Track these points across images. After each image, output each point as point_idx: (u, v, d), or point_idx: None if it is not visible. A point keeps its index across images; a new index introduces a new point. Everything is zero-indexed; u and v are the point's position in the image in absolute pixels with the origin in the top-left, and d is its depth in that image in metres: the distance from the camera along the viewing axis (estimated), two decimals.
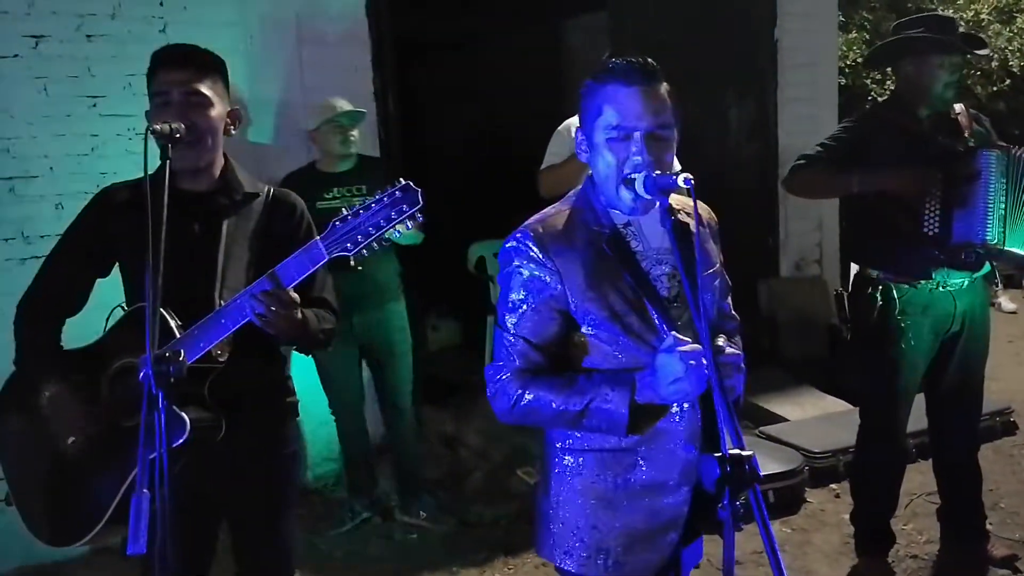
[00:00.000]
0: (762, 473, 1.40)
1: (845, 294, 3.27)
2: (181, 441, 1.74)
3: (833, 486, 4.05)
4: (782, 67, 5.54)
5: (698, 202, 1.77)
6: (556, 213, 1.76)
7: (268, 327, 1.84)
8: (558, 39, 6.39)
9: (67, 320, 2.11)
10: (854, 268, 3.24)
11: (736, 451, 1.36)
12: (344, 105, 3.61)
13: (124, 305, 2.00)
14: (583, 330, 1.71)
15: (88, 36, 3.64)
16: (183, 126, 1.84)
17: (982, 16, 9.14)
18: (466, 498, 4.14)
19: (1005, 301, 7.51)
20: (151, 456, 1.50)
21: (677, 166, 1.75)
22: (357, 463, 3.88)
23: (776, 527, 3.60)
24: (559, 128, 3.70)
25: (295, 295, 1.85)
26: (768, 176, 5.62)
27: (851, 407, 4.84)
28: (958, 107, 3.06)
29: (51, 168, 3.61)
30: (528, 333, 1.71)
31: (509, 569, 3.48)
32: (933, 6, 9.06)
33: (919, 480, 3.82)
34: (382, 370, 3.80)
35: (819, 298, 5.74)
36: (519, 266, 1.71)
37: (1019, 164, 2.85)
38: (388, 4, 4.36)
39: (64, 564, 3.45)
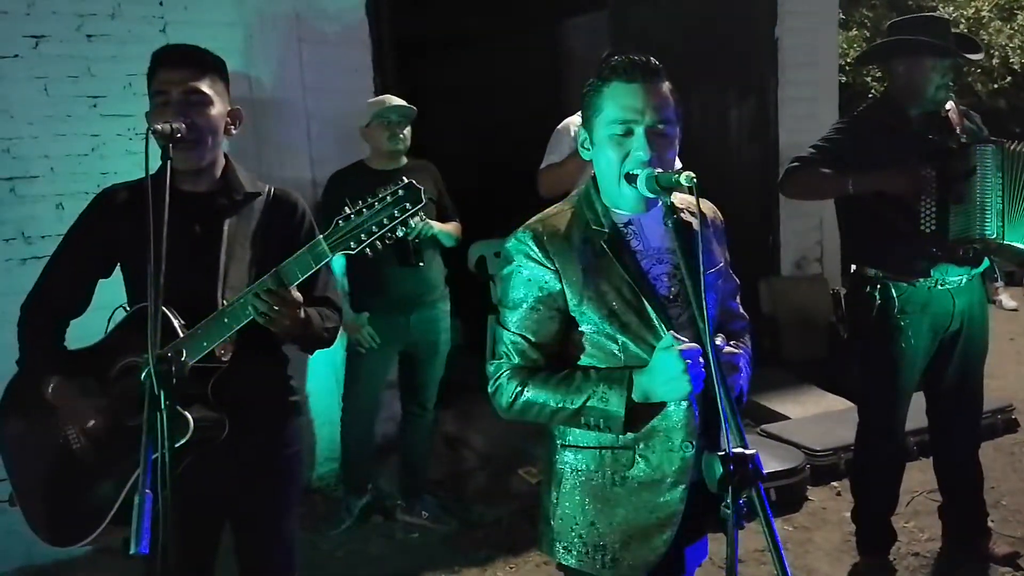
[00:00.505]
0: (764, 471, 1.40)
1: (842, 293, 3.26)
2: (184, 441, 1.75)
3: (834, 484, 4.06)
4: (782, 66, 5.54)
5: (704, 201, 1.77)
6: (557, 212, 1.77)
7: (271, 326, 1.84)
8: (558, 39, 6.39)
9: (71, 321, 2.11)
10: (852, 267, 3.24)
11: (739, 450, 1.36)
12: (394, 101, 3.57)
13: (126, 306, 2.00)
14: (582, 328, 1.72)
15: (88, 36, 3.64)
16: (184, 126, 1.83)
17: (983, 13, 9.15)
18: (468, 498, 4.15)
19: (1006, 299, 7.51)
20: (154, 456, 1.50)
21: (678, 165, 1.75)
22: (358, 460, 3.87)
23: (778, 525, 3.59)
24: (558, 128, 3.70)
25: (298, 294, 1.86)
26: (769, 175, 5.62)
27: (852, 405, 4.83)
28: (948, 104, 3.06)
29: (52, 168, 3.61)
30: (528, 331, 1.72)
31: (511, 568, 3.48)
32: (933, 4, 9.06)
33: (920, 478, 3.83)
34: (416, 368, 3.79)
35: (820, 297, 5.74)
36: (519, 265, 1.72)
37: (1016, 159, 2.85)
38: (388, 4, 4.36)
39: (66, 564, 3.45)
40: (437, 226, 3.57)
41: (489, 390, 1.77)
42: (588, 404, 1.66)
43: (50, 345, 2.06)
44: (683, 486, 1.73)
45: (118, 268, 2.06)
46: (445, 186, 3.82)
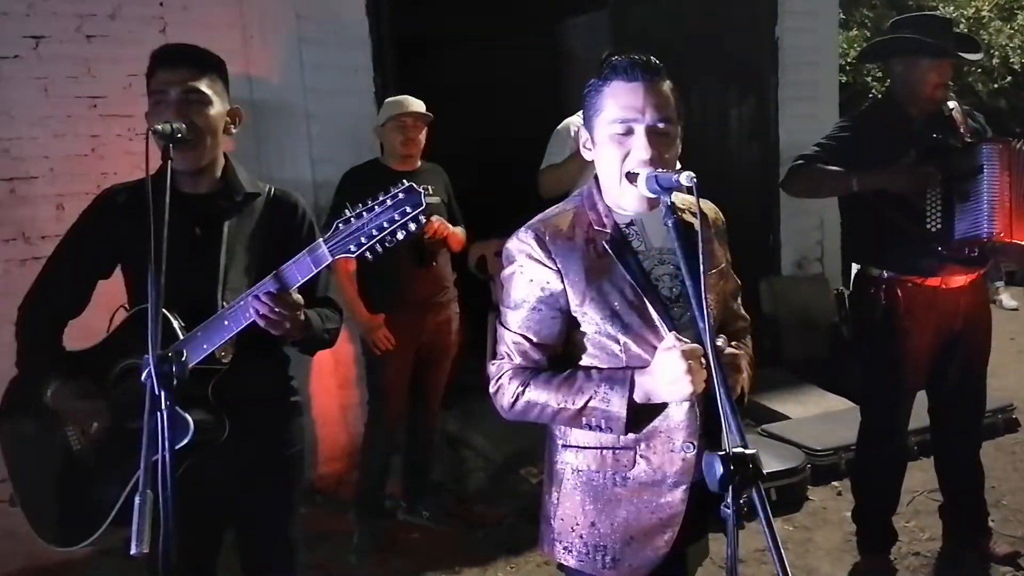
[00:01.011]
0: (764, 471, 1.40)
1: (846, 293, 3.26)
2: (185, 443, 1.75)
3: (835, 484, 4.05)
4: (783, 65, 5.54)
5: (706, 201, 1.77)
6: (560, 212, 1.77)
7: (272, 329, 1.83)
8: (558, 39, 6.38)
9: (69, 321, 2.11)
10: (855, 267, 3.24)
11: (740, 449, 1.36)
12: (412, 104, 3.58)
13: (126, 306, 2.00)
14: (583, 329, 1.72)
15: (88, 37, 3.64)
16: (184, 126, 1.83)
17: (983, 13, 9.14)
18: (469, 498, 4.15)
19: (1007, 298, 7.51)
20: (154, 458, 1.50)
21: (679, 166, 1.75)
22: (374, 482, 3.74)
23: (778, 525, 3.58)
24: (558, 128, 3.70)
25: (299, 297, 1.85)
26: (769, 174, 5.62)
27: (853, 405, 4.83)
28: (951, 104, 3.06)
29: (51, 169, 3.61)
30: (529, 331, 1.72)
31: (512, 568, 3.48)
32: (934, 3, 9.06)
33: (921, 478, 3.82)
34: (425, 369, 3.77)
35: (821, 296, 5.74)
36: (521, 265, 1.72)
37: (1022, 157, 2.84)
38: (388, 4, 4.36)
39: (67, 565, 3.45)
40: (451, 229, 3.60)
41: (490, 390, 1.76)
42: (589, 405, 1.66)
43: (49, 346, 2.05)
44: (684, 487, 1.72)
45: (118, 269, 2.06)
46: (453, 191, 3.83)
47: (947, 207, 2.88)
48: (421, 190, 1.72)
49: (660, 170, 1.60)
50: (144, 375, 1.57)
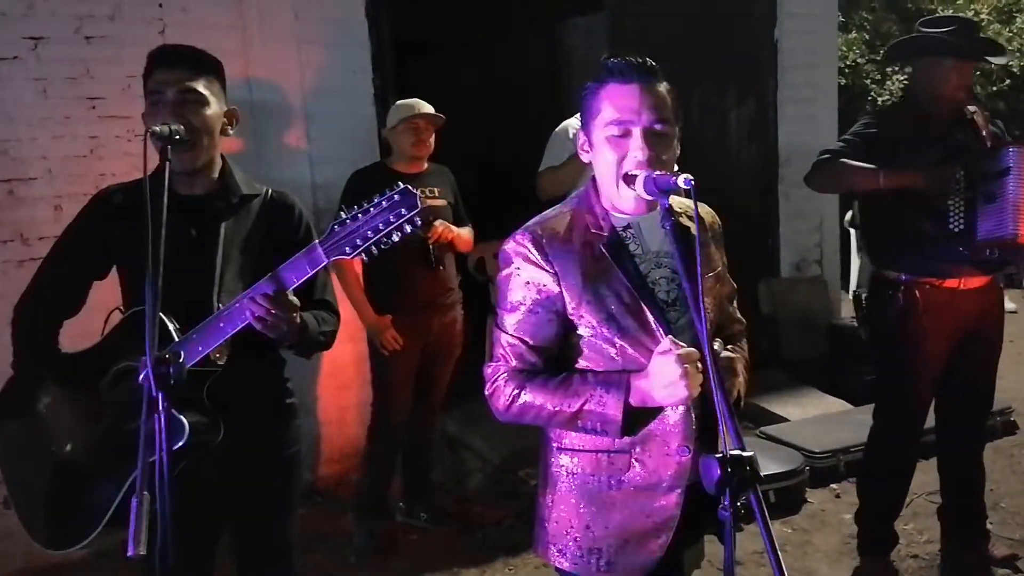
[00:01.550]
0: (763, 473, 1.39)
1: (863, 295, 3.27)
2: (180, 444, 1.74)
3: (834, 486, 4.05)
4: (782, 67, 5.54)
5: (703, 205, 1.77)
6: (557, 215, 1.77)
7: (267, 331, 1.83)
8: (558, 39, 6.39)
9: (64, 323, 2.10)
10: (855, 268, 3.24)
11: (737, 451, 1.36)
12: (423, 107, 3.59)
13: (121, 308, 2.00)
14: (580, 332, 1.72)
15: (87, 38, 3.64)
16: (182, 127, 1.83)
17: (982, 16, 9.15)
18: (468, 499, 4.14)
19: (1006, 301, 7.51)
20: (151, 459, 1.50)
21: (676, 168, 1.74)
22: (379, 482, 3.76)
23: (777, 527, 3.59)
24: (557, 130, 3.71)
25: (294, 299, 1.85)
26: (768, 176, 5.63)
27: (851, 407, 4.85)
28: (971, 107, 3.08)
29: (50, 170, 3.61)
30: (525, 334, 1.72)
31: (510, 570, 3.48)
32: (933, 6, 9.07)
33: (920, 479, 3.80)
34: (428, 370, 3.77)
35: (819, 298, 5.74)
36: (518, 267, 1.72)
37: None
38: (388, 4, 4.36)
39: (65, 567, 3.44)
40: (456, 231, 3.60)
41: (486, 392, 1.76)
42: (585, 408, 1.65)
43: (44, 347, 2.05)
44: (679, 490, 1.72)
45: (113, 270, 2.05)
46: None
47: (970, 208, 2.89)
48: (417, 192, 1.72)
49: (658, 172, 1.60)
50: (141, 377, 1.57)
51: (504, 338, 1.74)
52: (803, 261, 5.81)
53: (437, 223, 3.49)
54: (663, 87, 1.68)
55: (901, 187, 2.91)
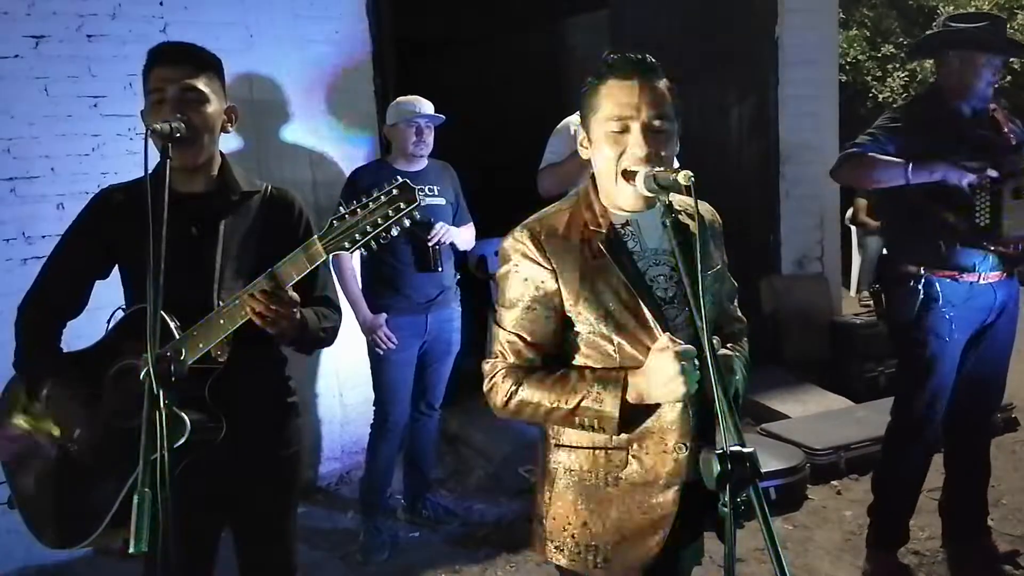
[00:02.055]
0: (764, 470, 1.40)
1: (880, 291, 3.27)
2: (182, 442, 1.74)
3: (835, 483, 4.05)
4: (783, 64, 5.54)
5: (703, 203, 1.76)
6: (556, 212, 1.77)
7: (268, 327, 1.83)
8: (558, 38, 6.39)
9: (68, 323, 2.10)
10: (855, 266, 3.24)
11: (737, 448, 1.36)
12: (423, 106, 3.59)
13: (124, 308, 2.00)
14: (578, 328, 1.72)
15: (89, 36, 3.64)
16: (182, 125, 1.83)
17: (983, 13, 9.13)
18: (468, 496, 4.15)
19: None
20: (152, 457, 1.50)
21: (676, 165, 1.74)
22: (380, 481, 3.77)
23: (778, 524, 3.60)
24: (557, 127, 3.70)
25: (294, 294, 1.85)
26: (769, 173, 5.63)
27: (853, 404, 4.86)
28: (992, 104, 3.09)
29: (52, 168, 3.61)
30: (523, 330, 1.72)
31: (511, 567, 3.48)
32: (935, 4, 9.06)
33: None
34: (427, 368, 3.78)
35: (821, 295, 5.74)
36: (516, 264, 1.72)
37: None
38: (388, 4, 4.36)
39: (66, 565, 3.45)
40: (456, 232, 3.60)
41: (484, 388, 1.76)
42: (582, 404, 1.65)
43: (47, 346, 2.05)
44: (676, 487, 1.72)
45: (116, 269, 2.05)
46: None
47: (996, 202, 2.90)
48: (414, 187, 1.72)
49: (658, 169, 1.60)
50: (142, 374, 1.57)
51: (502, 334, 1.74)
52: (804, 258, 5.81)
53: (438, 225, 3.50)
54: (663, 84, 1.68)
55: (928, 181, 2.91)
